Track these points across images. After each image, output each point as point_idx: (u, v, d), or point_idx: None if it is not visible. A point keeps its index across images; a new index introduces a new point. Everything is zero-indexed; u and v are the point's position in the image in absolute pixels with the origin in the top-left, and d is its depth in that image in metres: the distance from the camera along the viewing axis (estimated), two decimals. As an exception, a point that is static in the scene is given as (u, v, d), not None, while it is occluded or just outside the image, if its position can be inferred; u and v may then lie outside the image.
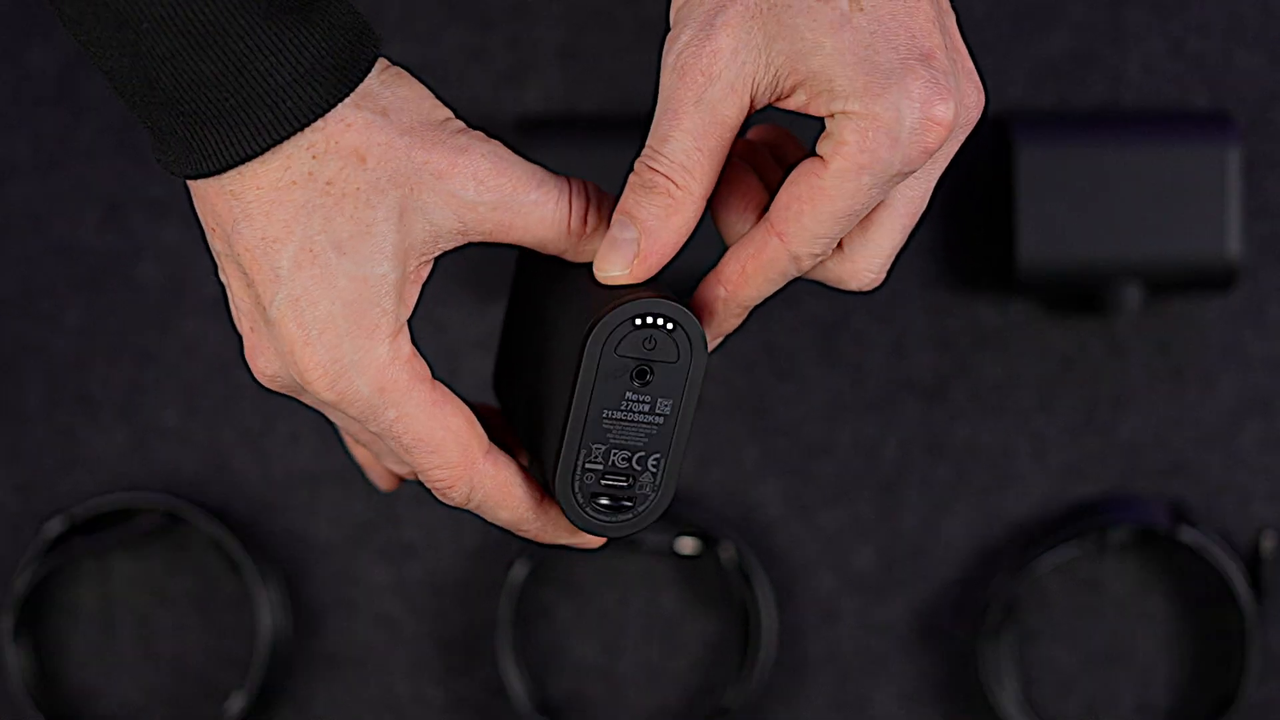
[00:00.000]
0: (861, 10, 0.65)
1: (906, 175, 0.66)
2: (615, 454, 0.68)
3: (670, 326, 0.66)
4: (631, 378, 0.67)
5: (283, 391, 0.68)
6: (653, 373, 0.67)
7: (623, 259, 0.67)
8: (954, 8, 1.06)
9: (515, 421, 0.75)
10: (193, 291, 1.09)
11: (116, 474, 1.10)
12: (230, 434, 1.10)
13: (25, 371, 1.10)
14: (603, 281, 0.67)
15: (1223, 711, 1.07)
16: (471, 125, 0.71)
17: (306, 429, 1.10)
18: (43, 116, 1.09)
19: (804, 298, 1.09)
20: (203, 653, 1.10)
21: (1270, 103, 1.08)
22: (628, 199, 0.67)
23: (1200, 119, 1.06)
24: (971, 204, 1.09)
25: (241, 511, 1.10)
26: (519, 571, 1.07)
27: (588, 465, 0.68)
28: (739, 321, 0.70)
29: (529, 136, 1.03)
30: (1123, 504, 1.08)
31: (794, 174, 0.67)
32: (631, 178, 0.67)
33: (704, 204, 0.67)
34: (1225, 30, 1.08)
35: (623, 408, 0.67)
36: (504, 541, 1.10)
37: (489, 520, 0.71)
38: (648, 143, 0.67)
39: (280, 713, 1.10)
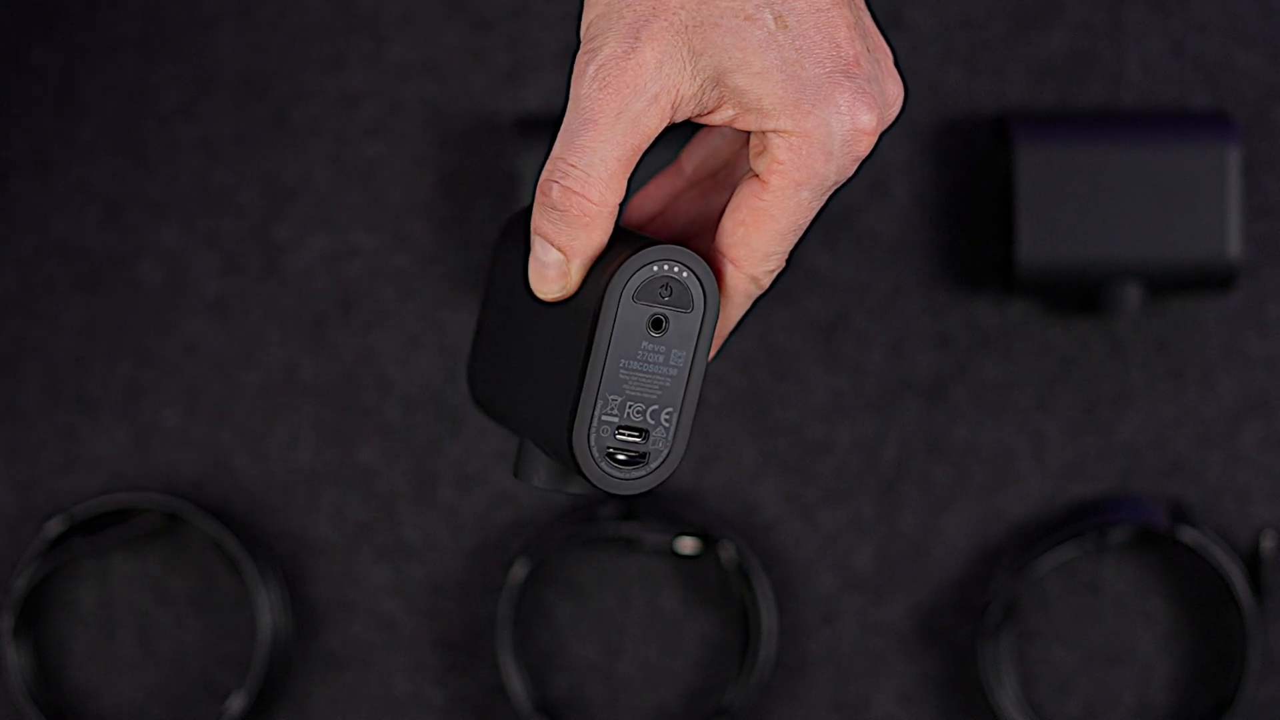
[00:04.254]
0: (786, 28, 0.65)
1: (841, 184, 0.67)
2: (630, 406, 0.68)
3: (685, 274, 0.67)
4: (648, 326, 0.67)
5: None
6: (668, 322, 0.67)
7: (554, 282, 0.68)
8: (953, 8, 1.04)
9: (504, 405, 0.75)
10: (193, 291, 1.09)
11: (116, 474, 1.10)
12: (230, 434, 1.10)
13: (25, 371, 1.10)
14: (544, 300, 0.69)
15: (1223, 711, 1.06)
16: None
17: (306, 429, 1.10)
18: (43, 116, 1.09)
19: (803, 298, 1.09)
20: (202, 653, 1.10)
21: (1270, 103, 1.08)
22: (543, 221, 0.67)
23: (1200, 119, 1.06)
24: (971, 204, 1.09)
25: (241, 511, 1.10)
26: (519, 572, 1.06)
27: (604, 417, 0.68)
28: (718, 350, 0.70)
29: (529, 136, 1.02)
30: (1122, 504, 1.08)
31: (735, 198, 0.67)
32: (542, 197, 0.67)
33: (618, 211, 0.67)
34: (1225, 30, 1.08)
35: (639, 358, 0.68)
36: (504, 541, 1.10)
37: None
38: (559, 155, 0.66)
39: (280, 713, 1.10)
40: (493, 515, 1.10)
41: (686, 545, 1.07)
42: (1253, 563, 1.06)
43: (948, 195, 1.09)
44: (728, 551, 1.06)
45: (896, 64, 0.70)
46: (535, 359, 0.71)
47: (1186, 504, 1.08)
